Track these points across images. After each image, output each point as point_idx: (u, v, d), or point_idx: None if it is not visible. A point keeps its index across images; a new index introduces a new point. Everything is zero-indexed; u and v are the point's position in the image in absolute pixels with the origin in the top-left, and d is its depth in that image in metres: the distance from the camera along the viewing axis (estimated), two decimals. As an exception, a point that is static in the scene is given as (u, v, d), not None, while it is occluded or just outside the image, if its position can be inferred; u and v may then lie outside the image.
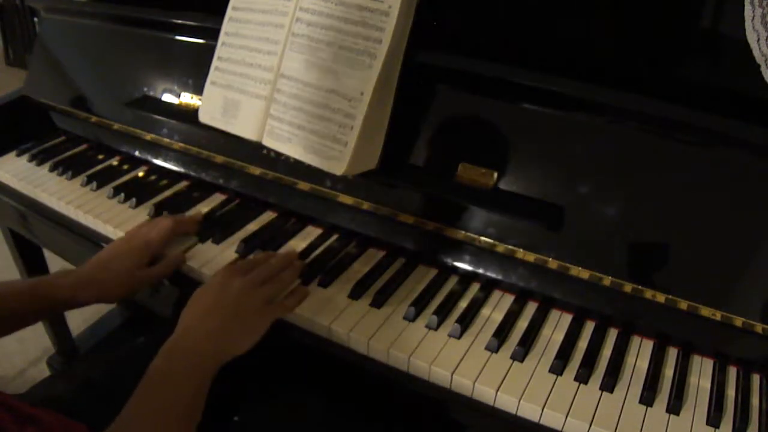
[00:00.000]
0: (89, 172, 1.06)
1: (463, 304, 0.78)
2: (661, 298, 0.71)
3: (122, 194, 0.98)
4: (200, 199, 1.00)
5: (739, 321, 0.68)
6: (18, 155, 1.13)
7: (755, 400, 0.67)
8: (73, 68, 1.17)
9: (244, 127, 0.87)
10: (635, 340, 0.75)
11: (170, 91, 1.03)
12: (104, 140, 1.14)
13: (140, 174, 1.07)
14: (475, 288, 0.81)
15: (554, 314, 0.78)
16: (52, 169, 1.08)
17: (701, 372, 0.71)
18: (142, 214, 0.96)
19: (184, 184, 1.04)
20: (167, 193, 1.02)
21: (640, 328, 0.75)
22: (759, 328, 0.68)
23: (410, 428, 0.78)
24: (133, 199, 0.97)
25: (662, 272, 0.71)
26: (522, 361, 0.71)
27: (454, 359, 0.70)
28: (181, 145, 1.02)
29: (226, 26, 0.90)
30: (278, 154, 0.86)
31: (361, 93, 0.76)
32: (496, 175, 0.78)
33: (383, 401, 0.78)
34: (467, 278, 0.82)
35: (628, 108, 0.71)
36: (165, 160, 1.07)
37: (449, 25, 0.85)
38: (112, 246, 0.85)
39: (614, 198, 0.73)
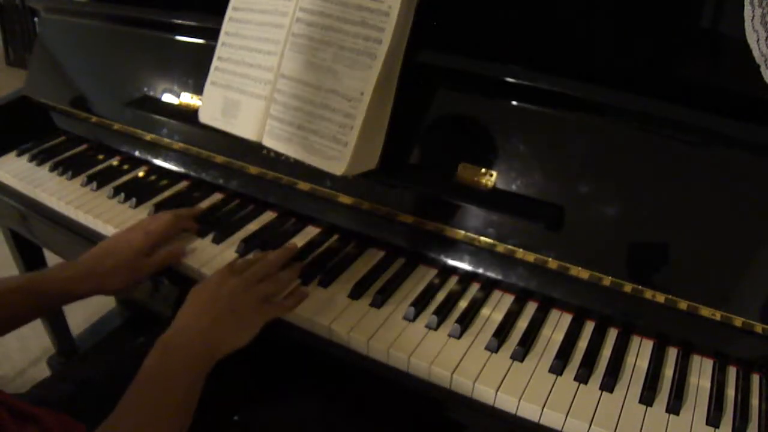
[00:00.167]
0: (89, 172, 1.06)
1: (463, 304, 0.78)
2: (661, 298, 0.71)
3: (122, 194, 0.98)
4: (200, 199, 1.00)
5: (739, 321, 0.68)
6: (18, 155, 1.14)
7: (755, 400, 0.67)
8: (73, 68, 1.17)
9: (244, 127, 0.87)
10: (635, 340, 0.75)
11: (170, 91, 1.03)
12: (104, 140, 1.15)
13: (140, 174, 1.07)
14: (475, 288, 0.81)
15: (554, 314, 0.78)
16: (52, 169, 1.08)
17: (701, 372, 0.71)
18: (143, 214, 0.96)
19: (184, 184, 1.04)
20: (167, 193, 1.02)
21: (640, 328, 0.75)
22: (759, 328, 0.68)
23: (410, 428, 0.78)
24: (133, 199, 0.97)
25: (662, 272, 0.71)
26: (522, 361, 0.71)
27: (454, 359, 0.70)
28: (181, 145, 1.02)
29: (226, 26, 0.90)
30: (278, 154, 0.86)
31: (361, 93, 0.76)
32: (495, 175, 0.78)
33: (383, 401, 0.78)
34: (467, 278, 0.82)
35: (628, 108, 0.71)
36: (165, 160, 1.07)
37: (449, 25, 0.85)
38: (111, 238, 0.85)
39: (614, 198, 0.73)
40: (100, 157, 1.12)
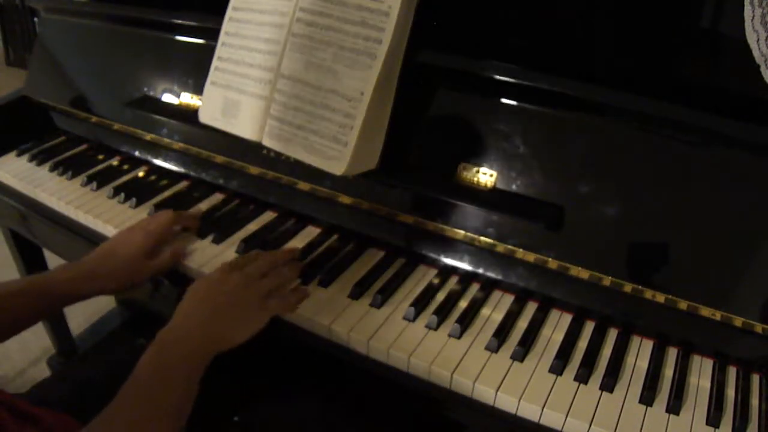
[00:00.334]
0: (89, 172, 1.06)
1: (463, 304, 0.78)
2: (661, 298, 0.71)
3: (122, 194, 0.98)
4: (200, 199, 1.00)
5: (739, 321, 0.68)
6: (18, 155, 1.14)
7: (755, 400, 0.67)
8: (73, 68, 1.17)
9: (244, 127, 0.87)
10: (635, 340, 0.75)
11: (170, 91, 1.03)
12: (104, 140, 1.15)
13: (140, 174, 1.07)
14: (475, 288, 0.81)
15: (554, 314, 0.78)
16: (52, 169, 1.08)
17: (701, 372, 0.71)
18: (142, 214, 0.96)
19: (184, 184, 1.04)
20: (167, 193, 1.02)
21: (640, 328, 0.75)
22: (759, 328, 0.68)
23: (410, 428, 0.78)
24: (133, 199, 0.97)
25: (662, 272, 0.71)
26: (522, 361, 0.71)
27: (454, 359, 0.70)
28: (181, 145, 1.02)
29: (226, 26, 0.90)
30: (278, 154, 0.86)
31: (361, 93, 0.76)
32: (495, 175, 0.78)
33: (383, 401, 0.78)
34: (467, 278, 0.82)
35: (628, 108, 0.71)
36: (165, 160, 1.07)
37: (449, 25, 0.85)
38: (112, 239, 0.85)
39: (614, 198, 0.73)
40: (100, 157, 1.12)
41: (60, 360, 1.52)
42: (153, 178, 1.06)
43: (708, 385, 0.69)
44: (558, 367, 0.69)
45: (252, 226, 0.93)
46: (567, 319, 0.78)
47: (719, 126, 0.68)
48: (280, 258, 0.81)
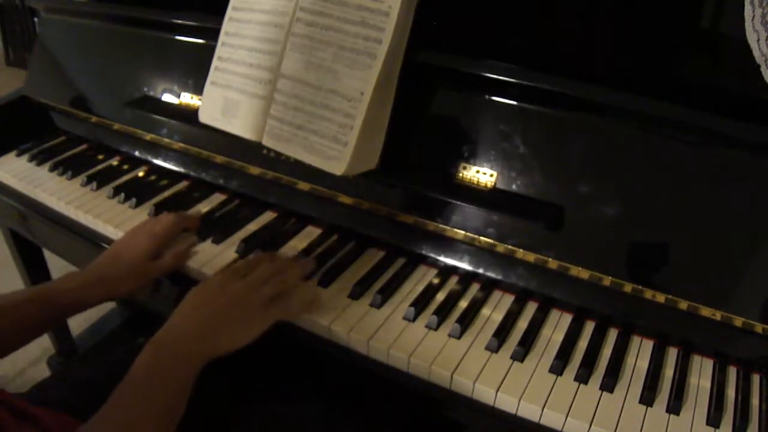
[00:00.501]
0: (89, 172, 1.06)
1: (463, 304, 0.78)
2: (661, 298, 0.71)
3: (122, 194, 0.98)
4: (200, 199, 1.00)
5: (739, 321, 0.68)
6: (18, 155, 1.14)
7: (755, 400, 0.67)
8: (73, 68, 1.17)
9: (244, 127, 0.87)
10: (635, 340, 0.75)
11: (170, 91, 1.03)
12: (104, 140, 1.14)
13: (140, 174, 1.07)
14: (475, 288, 0.81)
15: (554, 314, 0.78)
16: (52, 169, 1.08)
17: (701, 372, 0.71)
18: (142, 214, 0.96)
19: (184, 184, 1.04)
20: (167, 193, 1.02)
21: (640, 328, 0.75)
22: (759, 328, 0.68)
23: (410, 428, 0.78)
24: (133, 199, 0.97)
25: (662, 272, 0.71)
26: (522, 361, 0.71)
27: (454, 359, 0.70)
28: (181, 145, 1.02)
29: (226, 26, 0.90)
30: (278, 154, 0.86)
31: (361, 93, 0.76)
32: (495, 175, 0.78)
33: (383, 401, 0.78)
34: (467, 278, 0.82)
35: (628, 108, 0.71)
36: (165, 160, 1.07)
37: (449, 25, 0.85)
38: (118, 242, 0.85)
39: (614, 198, 0.73)
40: (100, 157, 1.12)
41: (60, 360, 1.52)
42: (153, 178, 1.06)
43: (708, 385, 0.69)
44: (558, 367, 0.69)
45: (252, 226, 0.93)
46: (567, 319, 0.78)
47: (719, 126, 0.68)
48: (285, 265, 0.80)
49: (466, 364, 0.70)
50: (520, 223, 0.77)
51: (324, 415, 0.80)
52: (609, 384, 0.68)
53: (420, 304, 0.77)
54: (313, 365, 0.81)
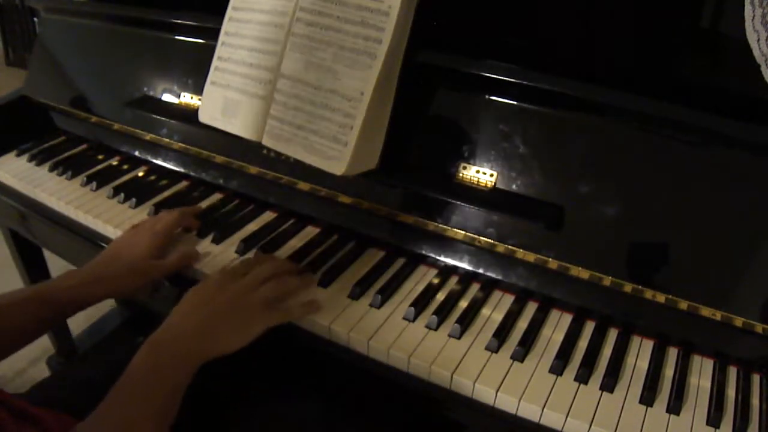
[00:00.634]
0: (89, 172, 1.06)
1: (463, 304, 0.78)
2: (661, 298, 0.71)
3: (122, 194, 0.98)
4: (200, 199, 1.00)
5: (739, 321, 0.68)
6: (18, 155, 1.14)
7: (755, 401, 0.67)
8: (73, 68, 1.17)
9: (244, 127, 0.87)
10: (635, 340, 0.75)
11: (170, 91, 1.03)
12: (104, 140, 1.14)
13: (140, 174, 1.07)
14: (475, 288, 0.81)
15: (554, 314, 0.78)
16: (51, 169, 1.08)
17: (701, 372, 0.71)
18: (142, 214, 0.96)
19: (184, 184, 1.04)
20: (167, 193, 1.02)
21: (640, 328, 0.75)
22: (759, 328, 0.68)
23: (410, 428, 0.78)
24: (133, 199, 0.97)
25: (662, 272, 0.71)
26: (522, 361, 0.71)
27: (454, 359, 0.70)
28: (181, 145, 1.02)
29: (226, 26, 0.90)
30: (278, 154, 0.86)
31: (361, 93, 0.76)
32: (495, 175, 0.78)
33: (383, 401, 0.78)
34: (467, 278, 0.82)
35: (628, 108, 0.71)
36: (165, 160, 1.07)
37: (450, 25, 0.85)
38: (118, 240, 0.85)
39: (614, 198, 0.73)
40: (100, 157, 1.12)
41: (59, 360, 1.52)
42: (153, 177, 1.06)
43: (708, 385, 0.69)
44: (558, 367, 0.69)
45: (252, 226, 0.93)
46: (567, 319, 0.77)
47: (719, 126, 0.68)
48: (286, 267, 0.79)
49: (466, 364, 0.70)
50: (520, 223, 0.77)
51: (324, 415, 0.80)
52: (609, 384, 0.68)
53: (420, 304, 0.77)
54: (313, 365, 0.81)
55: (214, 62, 0.91)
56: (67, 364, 1.50)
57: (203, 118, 0.92)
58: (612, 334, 0.75)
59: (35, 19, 1.26)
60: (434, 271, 0.84)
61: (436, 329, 0.74)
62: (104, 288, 0.78)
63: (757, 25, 0.66)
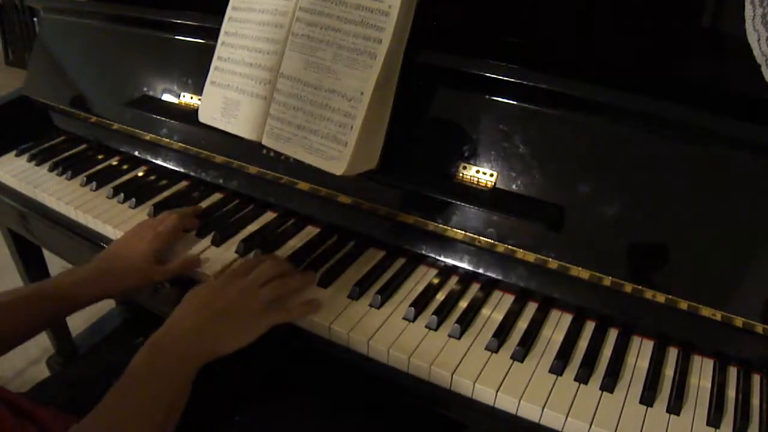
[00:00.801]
0: (89, 172, 1.06)
1: (463, 304, 0.78)
2: (661, 298, 0.71)
3: (122, 194, 0.98)
4: (200, 199, 1.00)
5: (739, 321, 0.68)
6: (17, 155, 1.14)
7: (755, 401, 0.67)
8: (72, 68, 1.17)
9: (243, 126, 0.87)
10: (635, 340, 0.75)
11: (170, 91, 1.03)
12: (104, 140, 1.14)
13: (140, 174, 1.07)
14: (475, 288, 0.81)
15: (554, 314, 0.78)
16: (51, 169, 1.08)
17: (701, 372, 0.71)
18: (142, 214, 0.96)
19: (183, 184, 1.04)
20: (167, 193, 1.02)
21: (640, 328, 0.75)
22: (759, 328, 0.68)
23: (410, 428, 0.78)
24: (133, 199, 0.97)
25: (662, 272, 0.71)
26: (522, 361, 0.70)
27: (454, 359, 0.70)
28: (181, 145, 1.02)
29: (226, 26, 0.89)
30: (278, 154, 0.86)
31: (361, 93, 0.76)
32: (495, 175, 0.78)
33: (383, 401, 0.78)
34: (467, 278, 0.82)
35: (628, 108, 0.71)
36: (165, 160, 1.07)
37: (450, 25, 0.85)
38: (120, 240, 0.85)
39: (614, 198, 0.72)
40: (100, 157, 1.12)
41: (59, 360, 1.52)
42: (152, 178, 1.06)
43: (708, 385, 0.69)
44: (558, 367, 0.69)
45: (252, 226, 0.93)
46: (567, 319, 0.77)
47: (719, 126, 0.68)
48: (286, 267, 0.79)
49: (466, 364, 0.70)
50: (520, 223, 0.77)
51: (323, 415, 0.80)
52: (609, 384, 0.68)
53: (420, 304, 0.77)
54: (312, 365, 0.81)
55: (214, 62, 0.91)
56: (67, 364, 1.50)
57: (203, 118, 0.92)
58: (612, 334, 0.75)
59: (35, 18, 1.26)
60: (434, 271, 0.84)
61: (436, 329, 0.74)
62: (104, 287, 0.78)
63: (757, 24, 0.66)
